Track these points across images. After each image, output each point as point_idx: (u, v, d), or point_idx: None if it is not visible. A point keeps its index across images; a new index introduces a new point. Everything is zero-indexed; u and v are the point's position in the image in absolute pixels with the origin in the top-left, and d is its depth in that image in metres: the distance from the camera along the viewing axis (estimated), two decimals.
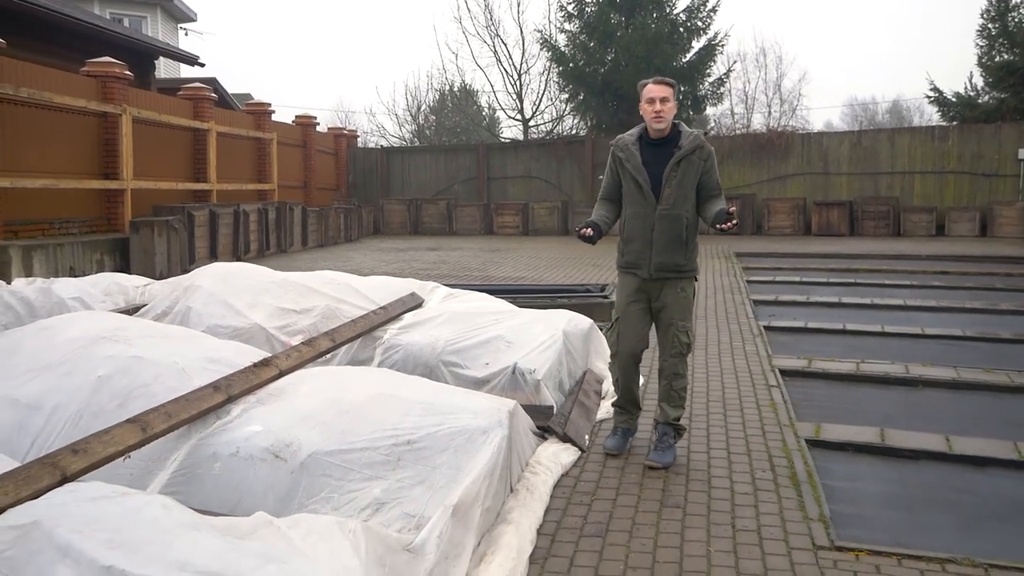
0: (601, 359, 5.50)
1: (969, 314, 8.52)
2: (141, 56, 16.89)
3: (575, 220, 18.74)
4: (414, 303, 5.68)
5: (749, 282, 10.64)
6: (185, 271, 10.23)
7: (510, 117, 27.54)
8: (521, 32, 30.08)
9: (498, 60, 27.18)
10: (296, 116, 20.23)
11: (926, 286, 10.45)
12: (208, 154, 14.85)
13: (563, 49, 21.73)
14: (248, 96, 22.22)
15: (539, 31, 22.78)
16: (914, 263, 12.66)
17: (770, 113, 26.28)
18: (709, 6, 20.74)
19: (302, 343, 4.54)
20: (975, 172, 18.33)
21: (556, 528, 3.42)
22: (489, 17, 27.19)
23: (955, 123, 20.36)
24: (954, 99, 21.11)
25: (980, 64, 20.74)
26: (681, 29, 20.74)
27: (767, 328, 7.60)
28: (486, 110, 30.16)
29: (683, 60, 20.74)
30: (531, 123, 26.50)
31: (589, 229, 4.17)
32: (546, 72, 25.64)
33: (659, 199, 4.14)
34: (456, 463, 3.23)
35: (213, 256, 12.48)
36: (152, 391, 3.63)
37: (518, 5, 40.84)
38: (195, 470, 3.28)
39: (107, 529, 2.36)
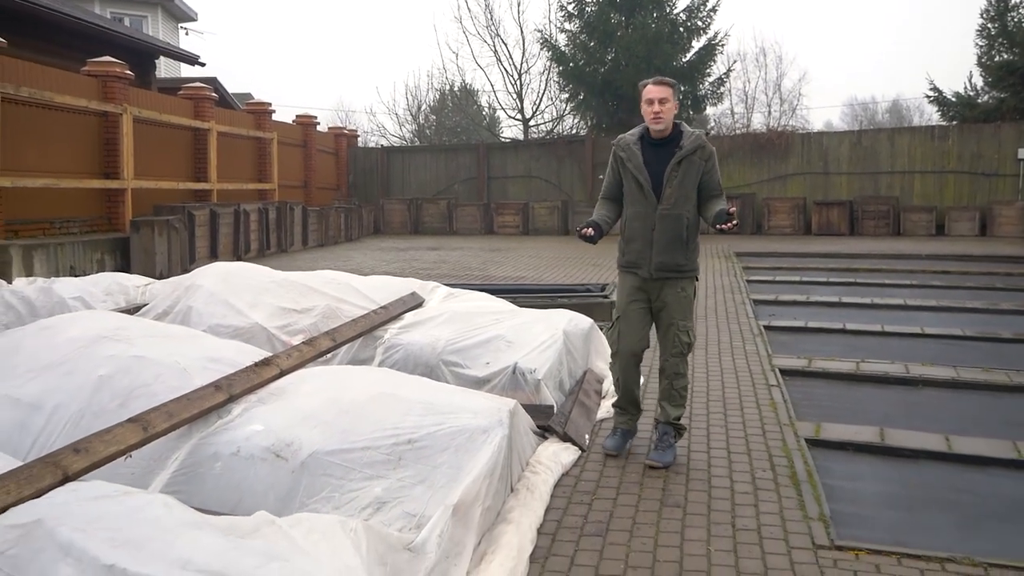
0: (601, 359, 5.50)
1: (969, 314, 8.52)
2: (142, 56, 16.90)
3: (575, 220, 18.75)
4: (414, 303, 5.69)
5: (749, 282, 10.65)
6: (185, 271, 10.24)
7: (510, 117, 27.58)
8: (521, 32, 30.13)
9: (498, 60, 27.21)
10: (296, 116, 20.24)
11: (926, 286, 10.46)
12: (209, 154, 14.86)
13: (563, 49, 21.74)
14: (248, 96, 22.23)
15: (539, 31, 22.79)
16: (914, 263, 12.66)
17: (770, 113, 26.29)
18: (709, 6, 20.76)
19: (303, 343, 4.55)
20: (975, 172, 18.34)
21: (557, 527, 3.43)
22: (489, 17, 27.17)
23: (955, 123, 20.37)
24: (954, 99, 21.13)
25: (980, 64, 20.75)
26: (681, 29, 20.75)
27: (767, 328, 7.61)
28: (486, 110, 30.17)
29: (683, 60, 20.75)
30: (531, 123, 26.50)
31: (590, 229, 4.18)
32: (546, 72, 25.67)
33: (660, 199, 4.15)
34: (457, 462, 3.24)
35: (213, 256, 12.49)
36: (153, 390, 3.64)
37: (518, 5, 40.88)
38: (196, 469, 3.28)
39: (109, 528, 2.36)
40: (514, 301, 6.21)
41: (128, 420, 3.21)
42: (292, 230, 15.72)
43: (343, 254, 14.97)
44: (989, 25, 20.53)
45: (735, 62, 24.19)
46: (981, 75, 21.01)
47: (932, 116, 28.29)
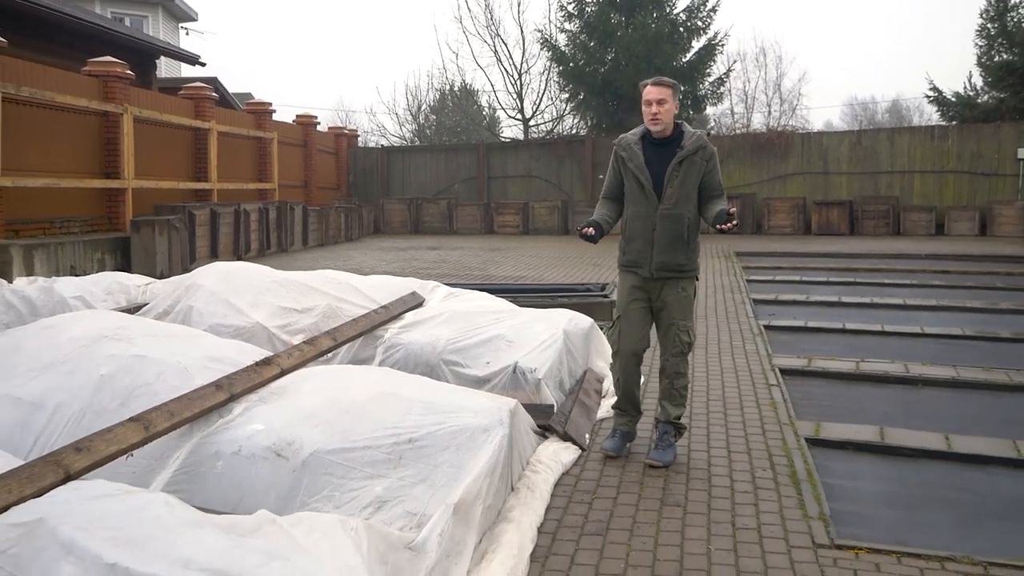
0: (601, 358, 5.51)
1: (968, 313, 8.53)
2: (142, 55, 16.91)
3: (575, 219, 18.76)
4: (415, 302, 5.69)
5: (749, 281, 10.65)
6: (186, 270, 10.24)
7: (510, 117, 27.58)
8: (521, 32, 30.13)
9: (498, 60, 27.20)
10: (297, 115, 20.25)
11: (926, 285, 10.46)
12: (209, 153, 14.86)
13: (563, 49, 21.75)
14: (249, 95, 22.24)
15: (539, 31, 22.80)
16: (914, 262, 12.67)
17: (770, 113, 26.31)
18: (709, 6, 20.77)
19: (303, 342, 4.56)
20: (974, 171, 18.35)
21: (557, 526, 3.44)
22: (489, 17, 27.19)
23: (954, 123, 20.38)
24: (953, 99, 21.13)
25: (979, 64, 20.76)
26: (681, 29, 20.76)
27: (767, 327, 7.61)
28: (486, 110, 30.17)
29: (683, 60, 20.76)
30: (531, 123, 26.51)
31: (591, 228, 4.19)
32: (546, 72, 25.68)
33: (661, 199, 4.15)
34: (457, 461, 3.25)
35: (214, 255, 12.49)
36: (154, 390, 3.65)
37: (518, 5, 40.85)
38: (197, 468, 3.29)
39: (111, 527, 2.37)
40: (514, 301, 6.22)
41: (129, 419, 3.21)
42: (292, 230, 15.73)
43: (343, 254, 14.98)
44: (989, 25, 20.54)
45: (735, 62, 24.25)
46: (981, 75, 21.04)
47: (932, 116, 28.35)
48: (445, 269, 12.06)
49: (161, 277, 8.88)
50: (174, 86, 16.95)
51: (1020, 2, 20.19)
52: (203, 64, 19.29)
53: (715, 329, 7.50)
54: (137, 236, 11.23)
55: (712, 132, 21.58)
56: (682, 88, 19.58)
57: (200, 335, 4.59)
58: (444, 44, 62.52)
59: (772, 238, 17.51)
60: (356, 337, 5.04)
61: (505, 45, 30.27)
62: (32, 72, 10.68)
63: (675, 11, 20.92)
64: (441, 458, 3.25)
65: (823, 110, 72.29)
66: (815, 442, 4.50)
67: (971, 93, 21.31)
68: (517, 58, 31.18)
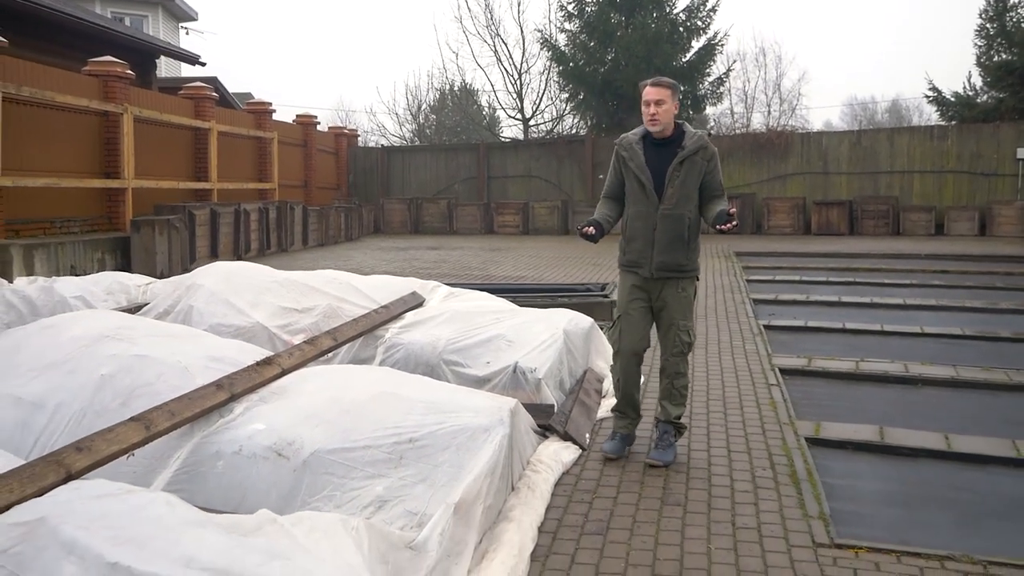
0: (602, 358, 5.51)
1: (968, 313, 8.54)
2: (142, 55, 16.91)
3: (575, 219, 18.77)
4: (415, 302, 5.70)
5: (749, 281, 10.66)
6: (186, 270, 10.25)
7: (510, 116, 27.60)
8: (521, 32, 30.14)
9: (498, 60, 27.21)
10: (297, 115, 20.25)
11: (925, 285, 10.47)
12: (209, 153, 14.86)
13: (563, 49, 21.77)
14: (249, 95, 22.24)
15: (539, 31, 22.83)
16: (913, 262, 12.67)
17: (770, 112, 26.32)
18: (709, 6, 20.79)
19: (304, 342, 4.56)
20: (974, 171, 18.35)
21: (557, 526, 3.44)
22: (489, 17, 27.19)
23: (954, 123, 20.39)
24: (953, 99, 21.14)
25: (979, 64, 20.77)
26: (681, 29, 20.78)
27: (767, 327, 7.62)
28: (486, 109, 30.18)
29: (683, 60, 20.78)
30: (531, 123, 26.52)
31: (591, 227, 4.19)
32: (546, 72, 25.69)
33: (662, 199, 4.16)
34: (458, 461, 3.25)
35: (214, 255, 12.50)
36: (155, 389, 3.65)
37: (518, 5, 40.82)
38: (198, 468, 3.30)
39: (112, 526, 2.37)
40: (514, 301, 6.22)
41: (130, 419, 3.22)
42: (292, 230, 15.73)
43: (343, 254, 14.98)
44: (988, 25, 20.55)
45: (735, 62, 24.30)
46: (980, 75, 21.05)
47: (931, 116, 28.34)
48: (445, 269, 12.07)
49: (161, 277, 8.88)
50: (174, 86, 16.95)
51: (1019, 2, 20.21)
52: (203, 64, 19.30)
53: (715, 329, 7.51)
54: (137, 236, 11.24)
55: (712, 132, 21.60)
56: (682, 88, 19.64)
57: (201, 335, 4.59)
58: (444, 44, 62.62)
59: (772, 238, 17.51)
60: (356, 337, 5.05)
61: (505, 45, 30.30)
62: (33, 72, 10.69)
63: (675, 11, 20.94)
64: (442, 458, 3.26)
65: (823, 110, 72.33)
66: (815, 441, 4.50)
67: (970, 93, 21.33)
68: (517, 58, 31.22)
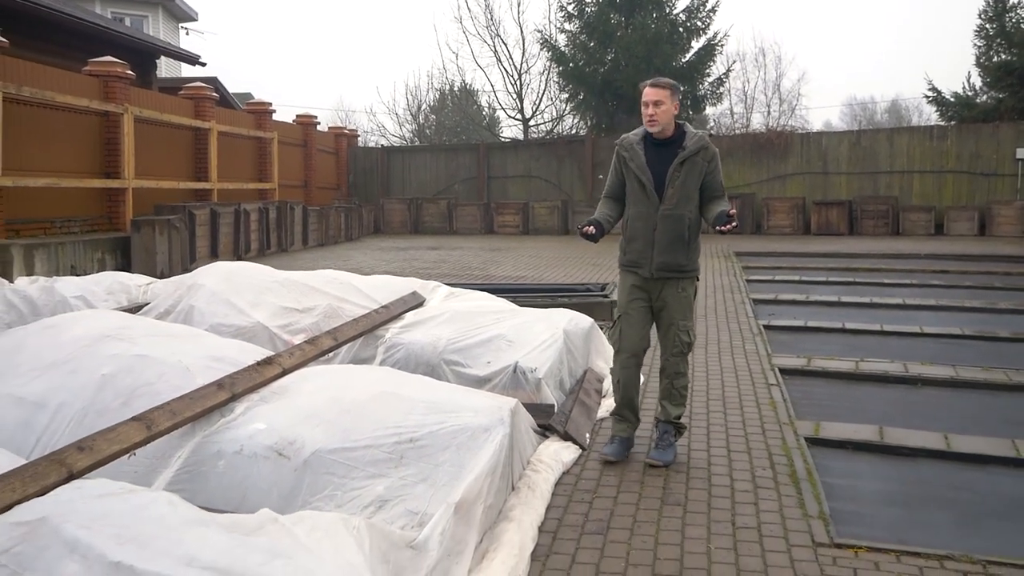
0: (601, 358, 5.52)
1: (968, 313, 8.55)
2: (142, 55, 16.92)
3: (575, 219, 18.78)
4: (415, 302, 5.71)
5: (749, 281, 10.67)
6: (186, 270, 10.25)
7: (510, 117, 27.61)
8: (521, 32, 30.16)
9: (498, 60, 27.23)
10: (297, 115, 20.26)
11: (925, 285, 10.48)
12: (209, 153, 14.87)
13: (563, 49, 21.79)
14: (249, 95, 22.26)
15: (539, 31, 22.87)
16: (913, 262, 12.68)
17: (769, 113, 26.36)
18: (708, 6, 20.82)
19: (305, 342, 4.57)
20: (973, 171, 18.36)
21: (558, 525, 3.45)
22: (489, 17, 27.20)
23: (953, 123, 20.40)
24: (952, 99, 21.16)
25: (978, 64, 20.79)
26: (681, 29, 20.80)
27: (767, 327, 7.63)
28: (486, 110, 30.20)
29: (683, 60, 20.80)
30: (531, 123, 26.53)
31: (592, 227, 4.19)
32: (546, 72, 25.70)
33: (662, 199, 4.16)
34: (458, 461, 3.26)
35: (214, 255, 12.50)
36: (156, 389, 3.66)
37: (518, 5, 40.88)
38: (199, 468, 3.30)
39: (114, 525, 2.38)
40: (514, 301, 6.23)
41: (132, 418, 3.22)
42: (292, 230, 15.74)
43: (343, 254, 14.99)
44: (987, 26, 20.57)
45: (734, 62, 24.37)
46: (979, 75, 21.07)
47: (931, 116, 28.33)
48: (445, 269, 12.07)
49: (161, 277, 8.89)
50: (174, 86, 16.96)
51: (1019, 2, 20.23)
52: (203, 64, 19.31)
53: (715, 329, 7.51)
54: (137, 236, 11.24)
55: (712, 132, 21.61)
56: (682, 88, 19.59)
57: (202, 335, 4.60)
58: (444, 44, 62.66)
59: (772, 238, 17.52)
60: (357, 337, 5.05)
61: (505, 45, 30.27)
62: (33, 72, 10.70)
63: (675, 11, 20.96)
64: (442, 457, 3.26)
65: (822, 110, 72.35)
66: (815, 441, 4.51)
67: (970, 93, 21.35)
68: (517, 58, 31.19)
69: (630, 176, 4.25)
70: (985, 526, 3.61)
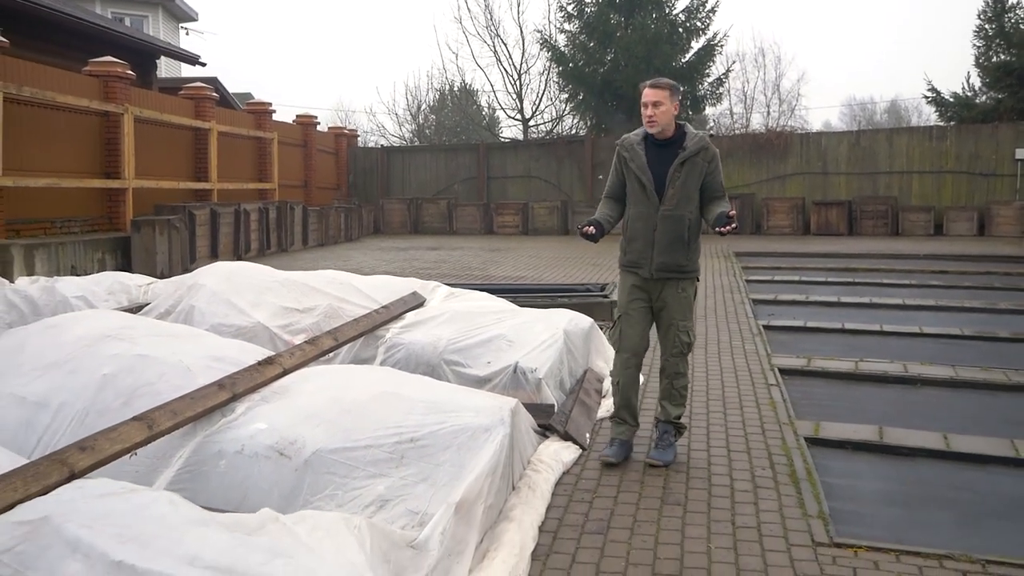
0: (602, 358, 5.53)
1: (967, 313, 8.56)
2: (143, 55, 16.92)
3: (575, 220, 18.79)
4: (416, 302, 5.71)
5: (748, 281, 10.67)
6: (186, 270, 10.26)
7: (510, 117, 27.61)
8: (521, 32, 30.11)
9: (498, 60, 27.23)
10: (297, 115, 20.26)
11: (924, 285, 10.49)
12: (209, 153, 14.88)
13: (563, 49, 21.80)
14: (249, 95, 22.26)
15: (539, 31, 22.88)
16: (912, 262, 12.69)
17: (769, 113, 26.37)
18: (708, 6, 20.82)
19: (305, 342, 4.57)
20: (973, 172, 18.37)
21: (558, 525, 3.46)
22: (489, 17, 27.23)
23: (953, 123, 20.41)
24: (952, 99, 21.18)
25: (977, 64, 20.81)
26: (680, 29, 20.81)
27: (766, 327, 7.63)
28: (486, 110, 30.20)
29: (682, 60, 20.80)
30: (531, 123, 26.54)
31: (592, 227, 4.20)
32: (546, 72, 25.71)
33: (662, 199, 4.17)
34: (459, 461, 3.26)
35: (214, 255, 12.51)
36: (157, 389, 3.66)
37: (518, 5, 40.90)
38: (200, 467, 3.31)
39: (116, 525, 2.39)
40: (514, 301, 6.24)
41: (133, 418, 3.23)
42: (292, 230, 15.75)
43: (343, 254, 15.00)
44: (987, 26, 20.59)
45: (734, 62, 24.41)
46: (979, 76, 21.09)
47: (930, 116, 28.35)
48: (445, 269, 12.08)
49: (162, 277, 8.89)
50: (174, 86, 16.97)
51: (1018, 3, 20.25)
52: (203, 64, 19.32)
53: (715, 329, 7.52)
54: (137, 236, 11.25)
55: (711, 132, 21.62)
56: (682, 89, 19.59)
57: (202, 335, 4.61)
58: (444, 44, 62.68)
59: (771, 238, 17.53)
60: (357, 337, 5.06)
61: (505, 45, 30.22)
62: (33, 72, 10.70)
63: (674, 11, 20.97)
64: (443, 457, 3.27)
65: (822, 110, 72.31)
66: (814, 441, 4.52)
67: (969, 93, 21.36)
68: (517, 58, 31.17)
69: (630, 176, 4.25)
70: (985, 526, 3.62)
